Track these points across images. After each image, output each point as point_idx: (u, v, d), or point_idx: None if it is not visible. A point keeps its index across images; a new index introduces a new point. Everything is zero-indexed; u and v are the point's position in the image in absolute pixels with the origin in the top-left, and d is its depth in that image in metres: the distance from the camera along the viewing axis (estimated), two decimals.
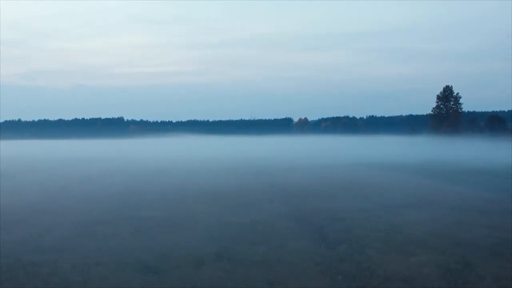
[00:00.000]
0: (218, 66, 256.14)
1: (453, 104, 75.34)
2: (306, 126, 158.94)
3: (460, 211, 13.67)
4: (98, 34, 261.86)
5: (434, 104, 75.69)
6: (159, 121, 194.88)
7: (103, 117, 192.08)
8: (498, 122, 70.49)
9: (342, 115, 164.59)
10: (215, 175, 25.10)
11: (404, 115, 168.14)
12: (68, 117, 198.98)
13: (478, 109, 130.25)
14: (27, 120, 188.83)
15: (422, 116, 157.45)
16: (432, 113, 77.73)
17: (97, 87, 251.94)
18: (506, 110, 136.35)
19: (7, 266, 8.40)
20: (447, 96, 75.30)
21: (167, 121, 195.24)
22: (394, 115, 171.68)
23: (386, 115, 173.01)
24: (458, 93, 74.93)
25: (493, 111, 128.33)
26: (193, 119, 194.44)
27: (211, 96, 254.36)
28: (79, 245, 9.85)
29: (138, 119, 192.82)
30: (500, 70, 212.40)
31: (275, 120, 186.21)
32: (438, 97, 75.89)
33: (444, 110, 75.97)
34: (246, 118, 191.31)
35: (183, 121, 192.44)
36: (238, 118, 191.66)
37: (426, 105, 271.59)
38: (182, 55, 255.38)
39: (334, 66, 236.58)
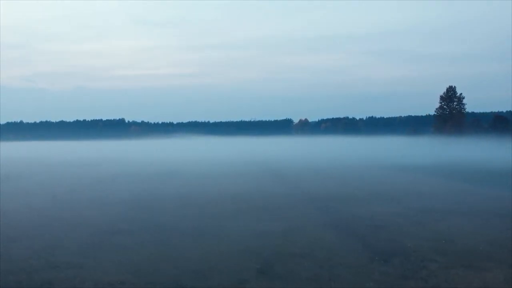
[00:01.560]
0: (218, 68, 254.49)
1: (456, 105, 74.08)
2: (306, 127, 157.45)
3: (506, 217, 12.41)
4: (99, 36, 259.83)
5: (432, 105, 74.80)
6: (160, 122, 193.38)
7: (104, 118, 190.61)
8: (503, 123, 69.30)
9: (341, 116, 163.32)
10: (230, 178, 23.71)
11: (403, 116, 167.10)
12: (70, 118, 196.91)
13: (476, 110, 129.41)
14: (29, 121, 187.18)
15: (421, 117, 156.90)
16: (435, 113, 76.48)
17: (98, 89, 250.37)
18: (505, 110, 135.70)
19: (18, 285, 7.12)
20: (451, 96, 74.00)
21: (168, 122, 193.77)
22: (393, 116, 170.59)
23: (386, 116, 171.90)
24: (461, 94, 73.77)
25: (491, 112, 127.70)
26: (193, 120, 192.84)
27: (212, 97, 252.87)
28: (98, 259, 8.56)
29: (139, 120, 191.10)
30: (499, 71, 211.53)
31: (275, 121, 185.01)
32: (442, 98, 74.57)
33: (447, 110, 74.70)
34: (246, 119, 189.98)
35: (184, 122, 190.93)
36: (239, 119, 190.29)
37: (424, 106, 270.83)
38: (182, 57, 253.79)
39: (333, 68, 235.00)
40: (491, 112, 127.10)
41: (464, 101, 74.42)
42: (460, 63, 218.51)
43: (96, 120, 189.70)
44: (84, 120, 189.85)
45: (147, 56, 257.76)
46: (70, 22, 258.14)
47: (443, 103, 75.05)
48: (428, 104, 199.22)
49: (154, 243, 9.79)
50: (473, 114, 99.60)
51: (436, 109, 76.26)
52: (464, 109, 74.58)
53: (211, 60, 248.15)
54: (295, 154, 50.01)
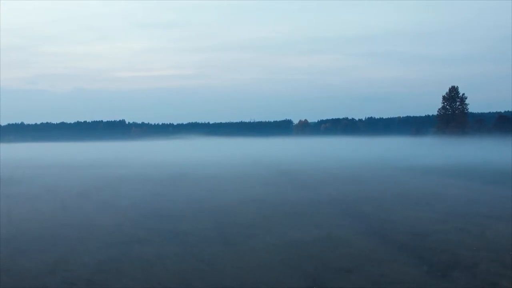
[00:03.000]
0: (217, 69, 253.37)
1: (459, 105, 73.15)
2: (306, 128, 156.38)
3: None
4: (99, 38, 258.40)
5: (430, 106, 74.03)
6: (160, 123, 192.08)
7: (104, 120, 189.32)
8: (507, 122, 68.24)
9: (341, 117, 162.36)
10: (243, 180, 22.47)
11: (402, 116, 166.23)
12: (70, 120, 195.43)
13: (475, 110, 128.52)
14: (30, 123, 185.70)
15: (421, 117, 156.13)
16: (438, 113, 75.54)
17: (98, 91, 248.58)
18: (503, 111, 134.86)
19: None
20: (453, 96, 73.08)
21: (168, 123, 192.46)
22: (392, 116, 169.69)
23: (385, 117, 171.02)
24: (464, 94, 72.85)
25: (489, 112, 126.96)
26: (193, 121, 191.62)
27: (211, 98, 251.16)
28: (120, 276, 7.45)
29: (139, 121, 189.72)
30: (496, 71, 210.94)
31: (275, 122, 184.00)
32: (444, 98, 73.65)
33: (450, 111, 73.77)
34: (246, 120, 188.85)
35: (184, 123, 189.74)
36: (238, 120, 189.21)
37: (423, 107, 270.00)
38: (182, 58, 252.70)
39: (331, 69, 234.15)
40: (489, 112, 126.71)
41: (466, 101, 73.50)
42: (456, 64, 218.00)
43: (96, 121, 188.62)
44: (85, 122, 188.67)
45: (147, 58, 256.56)
46: (70, 24, 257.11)
47: (445, 103, 74.14)
48: (427, 105, 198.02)
49: (179, 255, 8.67)
50: (472, 114, 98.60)
51: (439, 109, 75.38)
52: (467, 109, 73.63)
53: (211, 62, 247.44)
54: (302, 155, 48.82)
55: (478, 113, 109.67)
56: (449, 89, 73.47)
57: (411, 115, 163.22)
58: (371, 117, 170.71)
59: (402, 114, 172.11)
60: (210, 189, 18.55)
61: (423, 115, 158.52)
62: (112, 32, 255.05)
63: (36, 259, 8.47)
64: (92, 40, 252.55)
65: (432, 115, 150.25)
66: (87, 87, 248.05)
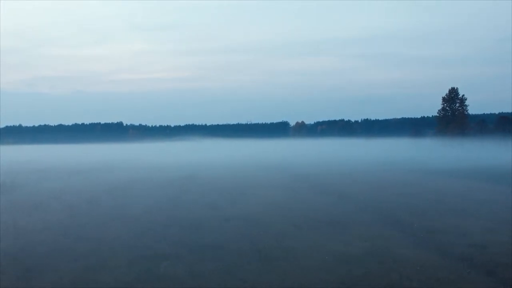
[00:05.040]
0: (214, 72, 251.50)
1: (458, 106, 72.14)
2: (303, 130, 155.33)
3: None
4: (96, 41, 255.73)
5: (425, 107, 73.14)
6: (157, 125, 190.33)
7: (102, 122, 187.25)
8: (508, 123, 67.32)
9: (337, 119, 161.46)
10: (260, 184, 21.13)
11: (398, 118, 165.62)
12: (68, 122, 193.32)
13: (473, 112, 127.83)
14: (28, 125, 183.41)
15: (417, 119, 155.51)
16: (438, 115, 74.52)
17: (96, 93, 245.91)
18: (497, 112, 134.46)
19: None
20: (453, 98, 72.07)
21: (166, 125, 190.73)
22: (388, 118, 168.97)
23: (381, 118, 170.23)
24: (463, 95, 71.87)
25: (488, 113, 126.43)
26: (191, 123, 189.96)
27: (208, 100, 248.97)
28: None
29: (137, 123, 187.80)
30: (490, 73, 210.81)
31: (272, 124, 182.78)
32: (444, 99, 72.55)
33: (450, 112, 72.78)
34: (243, 122, 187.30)
35: (181, 125, 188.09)
36: (235, 122, 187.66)
37: (418, 108, 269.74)
38: (179, 61, 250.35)
39: (327, 71, 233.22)
40: (489, 113, 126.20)
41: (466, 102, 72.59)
42: (452, 66, 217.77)
43: (94, 123, 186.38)
44: (83, 124, 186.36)
45: (145, 60, 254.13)
46: (68, 27, 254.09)
47: (445, 104, 73.12)
48: (422, 106, 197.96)
49: (216, 273, 7.43)
50: (471, 115, 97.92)
51: (439, 110, 74.30)
52: (467, 111, 72.72)
53: (208, 64, 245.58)
54: (309, 157, 47.47)
55: (477, 114, 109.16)
56: (449, 91, 72.52)
57: (407, 117, 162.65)
58: (367, 118, 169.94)
59: (398, 115, 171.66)
60: (225, 194, 17.23)
61: (419, 116, 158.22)
62: (110, 34, 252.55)
63: (51, 281, 7.19)
64: (91, 43, 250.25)
65: (428, 116, 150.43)
66: (85, 89, 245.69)
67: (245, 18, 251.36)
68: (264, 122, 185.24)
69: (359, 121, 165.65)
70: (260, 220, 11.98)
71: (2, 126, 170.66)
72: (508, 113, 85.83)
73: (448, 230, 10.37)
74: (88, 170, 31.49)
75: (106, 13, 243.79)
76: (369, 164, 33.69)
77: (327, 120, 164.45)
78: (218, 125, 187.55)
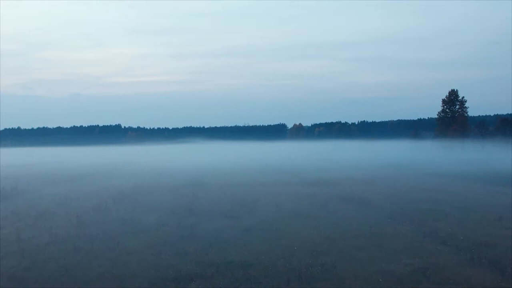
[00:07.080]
0: (211, 75, 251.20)
1: (458, 108, 71.46)
2: (300, 132, 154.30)
3: None
4: (95, 45, 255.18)
5: (422, 110, 72.15)
6: (155, 128, 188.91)
7: (100, 124, 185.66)
8: (509, 125, 66.52)
9: (334, 121, 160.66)
10: (273, 189, 20.00)
11: (394, 120, 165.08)
12: (67, 124, 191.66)
13: (471, 113, 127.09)
14: (27, 128, 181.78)
15: (413, 121, 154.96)
16: (438, 117, 73.83)
17: (94, 96, 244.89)
18: (492, 114, 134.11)
19: None
20: (453, 100, 71.39)
21: (164, 128, 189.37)
22: (384, 120, 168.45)
23: (377, 120, 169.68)
24: (463, 97, 71.20)
25: (479, 116, 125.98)
26: (188, 125, 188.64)
27: (206, 103, 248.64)
28: None
29: (135, 126, 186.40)
30: (491, 75, 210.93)
31: (269, 126, 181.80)
32: (444, 101, 71.90)
33: (450, 114, 72.08)
34: (241, 124, 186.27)
35: (179, 128, 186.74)
36: (233, 125, 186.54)
37: (414, 111, 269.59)
38: (176, 64, 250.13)
39: (322, 74, 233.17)
40: (479, 116, 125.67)
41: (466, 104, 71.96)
42: (447, 68, 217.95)
43: (92, 126, 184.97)
44: (81, 126, 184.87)
45: (142, 64, 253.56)
46: (67, 31, 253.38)
47: (445, 106, 72.51)
48: (419, 109, 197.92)
49: None
50: (471, 118, 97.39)
51: (438, 112, 73.77)
52: (466, 113, 72.13)
53: (205, 67, 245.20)
54: (316, 160, 46.28)
55: (474, 116, 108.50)
56: (449, 93, 71.88)
57: (403, 119, 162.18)
58: (364, 121, 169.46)
59: (394, 118, 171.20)
60: (238, 201, 16.04)
61: (415, 118, 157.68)
62: (108, 38, 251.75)
63: None
64: (88, 47, 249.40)
65: (424, 118, 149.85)
66: (84, 92, 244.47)
67: (240, 23, 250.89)
68: (261, 125, 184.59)
69: (356, 123, 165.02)
70: (283, 230, 10.90)
71: (1, 128, 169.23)
72: (504, 115, 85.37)
73: (494, 242, 9.34)
74: (91, 175, 30.25)
75: (103, 17, 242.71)
76: (381, 168, 32.58)
77: (324, 122, 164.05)
78: (216, 127, 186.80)
